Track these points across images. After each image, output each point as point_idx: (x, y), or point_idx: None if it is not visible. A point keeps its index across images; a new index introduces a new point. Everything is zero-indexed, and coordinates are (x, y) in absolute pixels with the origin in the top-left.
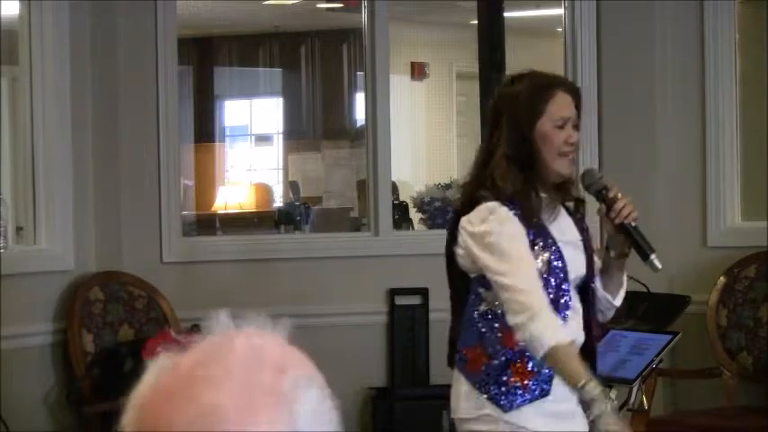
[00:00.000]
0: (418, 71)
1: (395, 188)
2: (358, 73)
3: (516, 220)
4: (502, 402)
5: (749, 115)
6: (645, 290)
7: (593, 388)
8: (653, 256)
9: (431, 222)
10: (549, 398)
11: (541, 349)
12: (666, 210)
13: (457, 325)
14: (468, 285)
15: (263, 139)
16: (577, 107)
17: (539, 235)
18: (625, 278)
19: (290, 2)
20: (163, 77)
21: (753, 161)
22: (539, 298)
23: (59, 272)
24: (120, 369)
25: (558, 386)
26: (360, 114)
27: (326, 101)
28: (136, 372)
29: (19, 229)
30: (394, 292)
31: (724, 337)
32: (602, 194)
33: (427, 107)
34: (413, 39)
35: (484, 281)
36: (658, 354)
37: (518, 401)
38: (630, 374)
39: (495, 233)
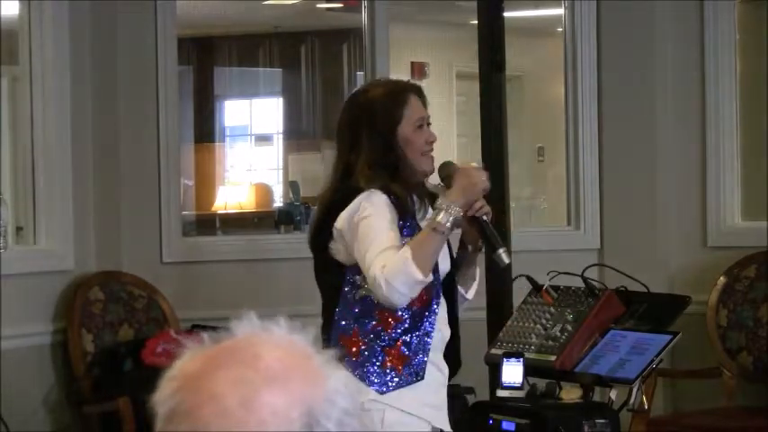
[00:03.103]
0: (418, 71)
1: None
2: (358, 73)
3: (390, 205)
4: (378, 382)
5: (749, 115)
6: (645, 290)
7: (441, 214)
8: (501, 251)
9: None
10: (423, 382)
11: (414, 276)
12: (666, 210)
13: (329, 322)
14: (341, 278)
15: (263, 139)
16: (425, 107)
17: (412, 228)
18: (479, 273)
19: (290, 2)
20: (163, 77)
21: (753, 161)
22: (392, 258)
23: (59, 272)
24: (119, 369)
25: (430, 373)
26: None
27: (326, 101)
28: (136, 372)
29: (19, 229)
30: None
31: (724, 337)
32: None
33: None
34: (413, 39)
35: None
36: (658, 354)
37: (394, 384)
38: (630, 374)
39: (367, 214)
